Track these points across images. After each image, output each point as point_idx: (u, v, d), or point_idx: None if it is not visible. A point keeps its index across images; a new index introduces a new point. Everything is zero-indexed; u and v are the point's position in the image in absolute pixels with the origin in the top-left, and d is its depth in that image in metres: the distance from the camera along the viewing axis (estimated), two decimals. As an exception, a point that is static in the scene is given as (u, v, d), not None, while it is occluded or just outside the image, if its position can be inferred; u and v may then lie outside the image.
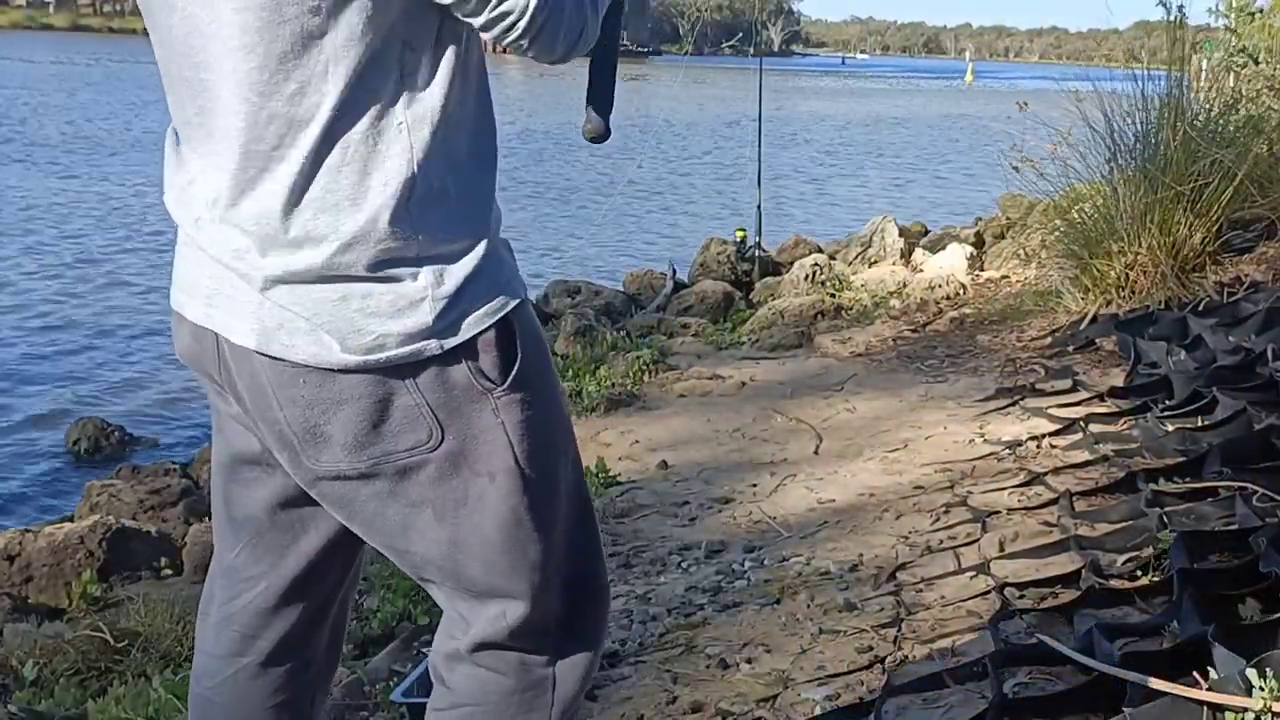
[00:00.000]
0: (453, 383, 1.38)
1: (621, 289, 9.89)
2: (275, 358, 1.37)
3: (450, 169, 1.37)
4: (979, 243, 9.98)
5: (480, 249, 1.39)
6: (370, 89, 1.32)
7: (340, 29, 1.29)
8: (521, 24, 1.34)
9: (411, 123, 1.34)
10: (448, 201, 1.37)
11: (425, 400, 1.37)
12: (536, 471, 1.43)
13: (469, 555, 1.43)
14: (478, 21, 1.34)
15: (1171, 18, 6.06)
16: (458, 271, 1.37)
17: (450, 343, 1.36)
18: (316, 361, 1.36)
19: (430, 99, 1.35)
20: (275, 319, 1.36)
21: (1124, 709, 2.09)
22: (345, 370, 1.35)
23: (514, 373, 1.40)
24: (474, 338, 1.38)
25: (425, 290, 1.35)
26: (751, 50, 14.75)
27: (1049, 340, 5.49)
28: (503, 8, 1.32)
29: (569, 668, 1.51)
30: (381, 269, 1.34)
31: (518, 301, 1.42)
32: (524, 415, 1.41)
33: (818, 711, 2.40)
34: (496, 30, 1.35)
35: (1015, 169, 6.30)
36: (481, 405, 1.39)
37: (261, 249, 1.35)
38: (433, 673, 1.55)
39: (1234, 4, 8.18)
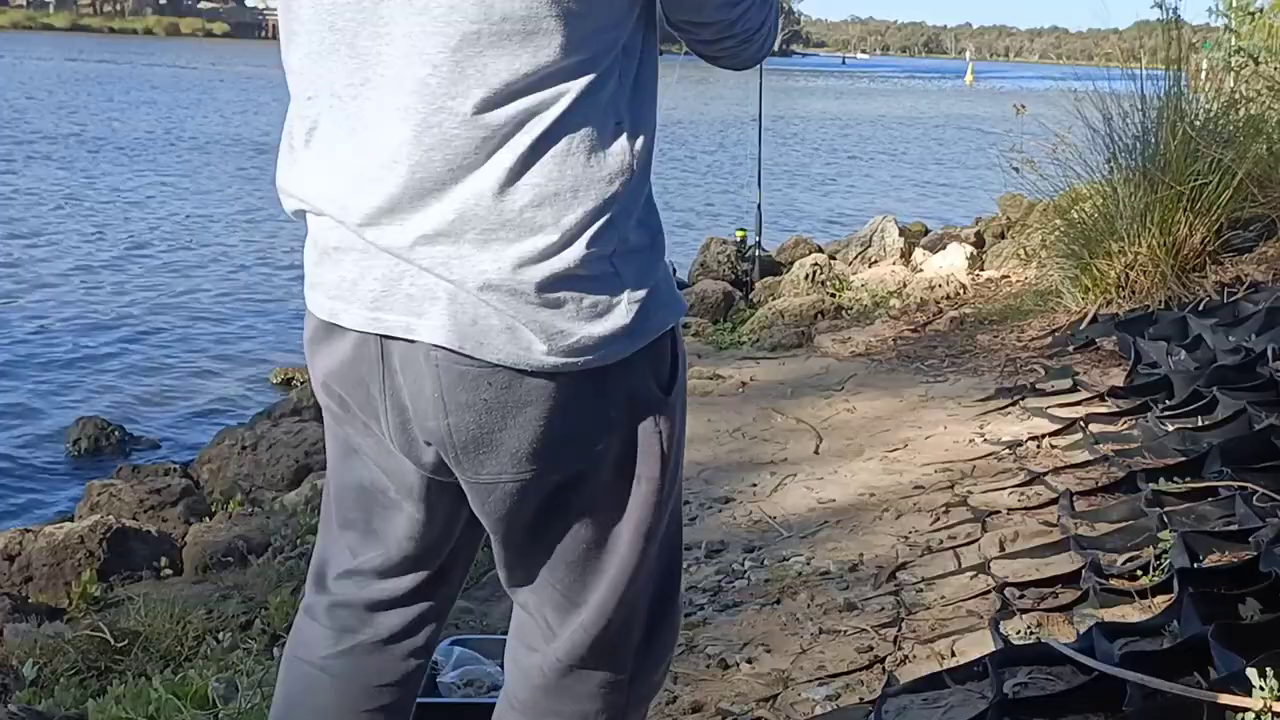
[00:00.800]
0: (633, 389, 1.36)
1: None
2: (466, 356, 1.30)
3: (649, 174, 1.36)
4: (979, 243, 9.98)
5: (663, 255, 1.37)
6: (598, 86, 1.30)
7: (586, 21, 1.27)
8: (749, 33, 1.40)
9: (629, 124, 1.33)
10: (645, 205, 1.36)
11: (609, 405, 1.34)
12: (672, 483, 1.42)
13: (597, 560, 1.41)
14: (707, 33, 1.40)
15: (1167, 17, 6.06)
16: (648, 276, 1.34)
17: (638, 346, 1.34)
18: (511, 361, 1.30)
19: (640, 103, 1.35)
20: (471, 315, 1.29)
21: (1124, 709, 2.10)
22: (538, 373, 1.30)
23: (676, 383, 1.40)
24: (654, 343, 1.36)
25: (624, 293, 1.32)
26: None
27: (1049, 340, 5.50)
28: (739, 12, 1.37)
29: (644, 687, 1.50)
30: (592, 267, 1.30)
31: (682, 310, 1.41)
32: (676, 426, 1.40)
33: (818, 711, 2.40)
34: (723, 38, 1.40)
35: (1015, 169, 6.30)
36: (649, 412, 1.37)
37: (464, 242, 1.29)
38: (508, 675, 1.54)
39: (1233, 3, 8.18)
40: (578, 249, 1.29)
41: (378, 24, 1.30)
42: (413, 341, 1.32)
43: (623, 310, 1.32)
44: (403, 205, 1.30)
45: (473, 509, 1.42)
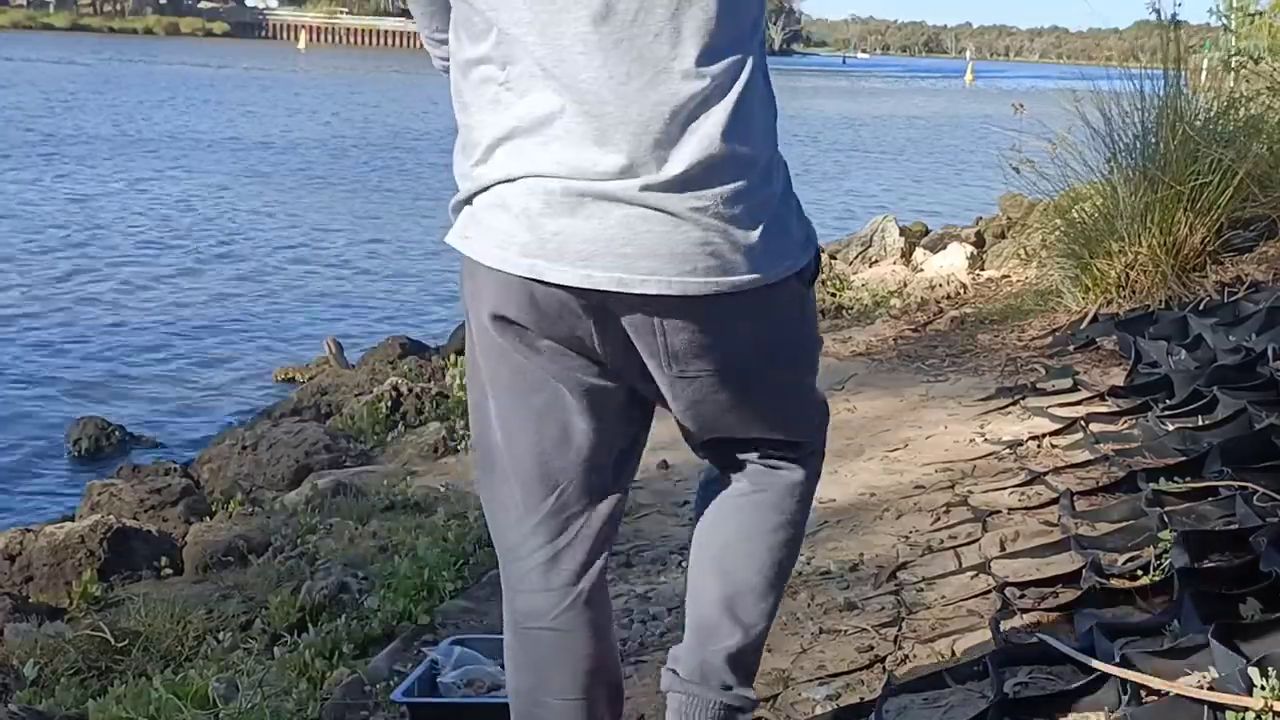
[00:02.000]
0: (805, 286, 1.70)
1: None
2: (697, 286, 1.56)
3: None
4: (979, 242, 9.98)
5: None
6: (762, 42, 1.62)
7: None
8: None
9: (768, 77, 1.65)
10: None
11: (800, 302, 1.71)
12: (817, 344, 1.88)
13: (792, 399, 1.82)
14: None
15: (1163, 20, 6.06)
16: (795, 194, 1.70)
17: (810, 253, 1.69)
18: (732, 287, 1.58)
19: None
20: (697, 250, 1.55)
21: (1124, 708, 2.10)
22: (748, 290, 1.59)
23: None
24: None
25: (793, 209, 1.66)
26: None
27: (1049, 340, 5.50)
28: None
29: (816, 476, 1.92)
30: (783, 193, 1.63)
31: None
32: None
33: (818, 711, 2.40)
34: None
35: (1015, 169, 6.30)
36: (807, 300, 1.74)
37: (690, 186, 1.53)
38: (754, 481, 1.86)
39: (1234, 4, 8.19)
40: (775, 179, 1.62)
41: None
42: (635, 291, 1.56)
43: (796, 225, 1.66)
44: (639, 158, 1.52)
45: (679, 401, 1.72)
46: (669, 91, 1.51)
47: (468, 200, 1.65)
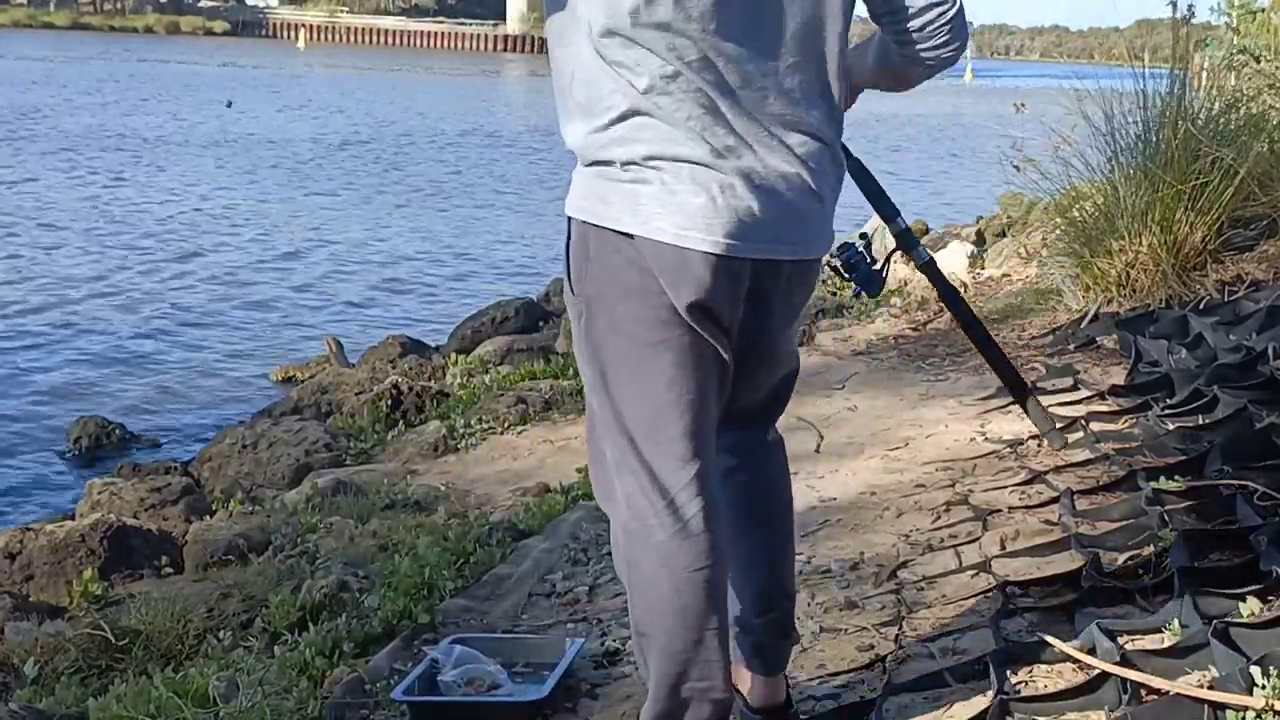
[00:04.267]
0: None
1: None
2: (820, 248, 1.96)
3: None
4: (980, 241, 9.98)
5: None
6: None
7: None
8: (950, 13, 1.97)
9: None
10: None
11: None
12: None
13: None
14: (916, 21, 1.98)
15: (1178, 14, 6.05)
16: None
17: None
18: (823, 254, 1.99)
19: None
20: (818, 225, 1.92)
21: (1124, 708, 2.10)
22: (818, 259, 1.98)
23: None
24: None
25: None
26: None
27: (1050, 338, 5.49)
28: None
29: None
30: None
31: None
32: None
33: (819, 710, 2.40)
34: (931, 22, 1.97)
35: (1016, 168, 6.29)
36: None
37: (812, 168, 1.87)
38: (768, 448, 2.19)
39: (1235, 2, 8.18)
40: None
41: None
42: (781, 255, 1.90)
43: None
44: (776, 140, 1.84)
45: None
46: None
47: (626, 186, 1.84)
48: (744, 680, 2.17)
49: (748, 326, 1.92)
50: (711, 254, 1.80)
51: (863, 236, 2.42)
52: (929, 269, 2.68)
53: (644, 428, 1.90)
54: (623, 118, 1.80)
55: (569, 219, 1.91)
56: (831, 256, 2.22)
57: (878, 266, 2.36)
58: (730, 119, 1.81)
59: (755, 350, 1.99)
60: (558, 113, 1.92)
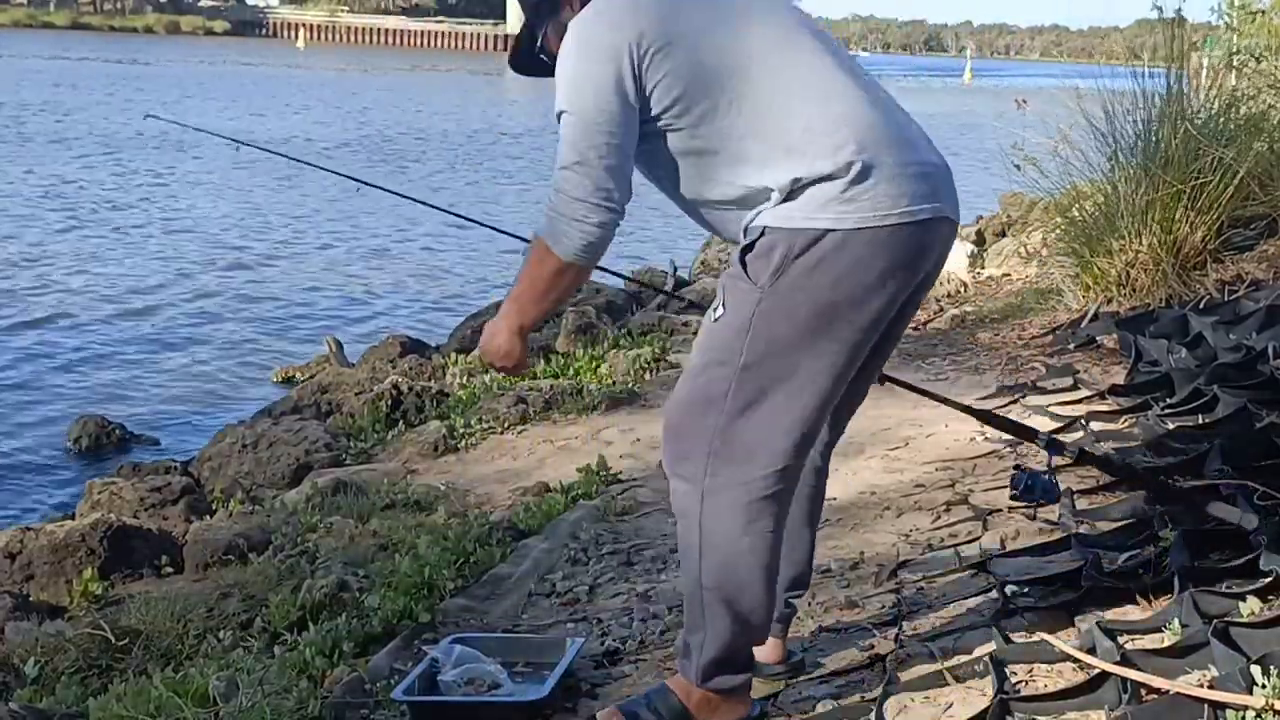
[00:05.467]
0: None
1: (623, 287, 9.87)
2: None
3: None
4: (980, 241, 9.97)
5: None
6: None
7: None
8: None
9: None
10: None
11: None
12: None
13: None
14: None
15: (1167, 16, 6.06)
16: None
17: None
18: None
19: None
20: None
21: (1125, 707, 2.10)
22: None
23: None
24: None
25: None
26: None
27: (1050, 338, 5.49)
28: None
29: None
30: None
31: None
32: None
33: (819, 710, 2.41)
34: None
35: (1016, 167, 6.30)
36: None
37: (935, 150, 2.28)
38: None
39: (1235, 2, 8.18)
40: None
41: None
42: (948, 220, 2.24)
43: None
44: (915, 133, 2.28)
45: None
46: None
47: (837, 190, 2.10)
48: (768, 644, 2.48)
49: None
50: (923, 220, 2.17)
51: (1017, 468, 2.77)
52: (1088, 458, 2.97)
53: (810, 414, 2.18)
54: None
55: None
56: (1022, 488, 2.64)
57: (1046, 475, 2.65)
58: None
59: (894, 330, 2.34)
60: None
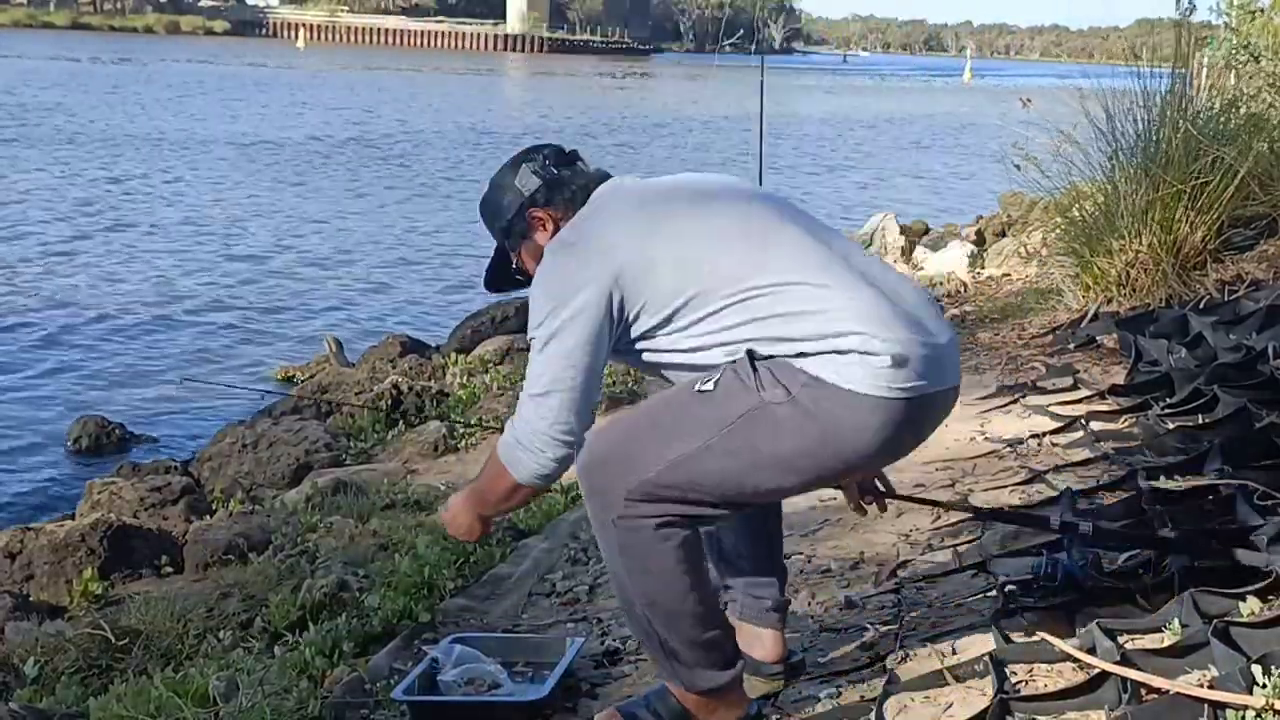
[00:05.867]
0: None
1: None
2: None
3: None
4: (980, 241, 9.98)
5: None
6: None
7: None
8: None
9: None
10: None
11: None
12: None
13: None
14: None
15: (1181, 12, 6.06)
16: None
17: None
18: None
19: None
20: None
21: (1125, 707, 2.10)
22: None
23: None
24: None
25: None
26: (753, 48, 14.76)
27: (1050, 338, 5.49)
28: None
29: None
30: None
31: None
32: None
33: (818, 709, 2.41)
34: None
35: (1016, 167, 6.29)
36: None
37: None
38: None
39: (1235, 2, 8.18)
40: None
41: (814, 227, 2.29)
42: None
43: None
44: (922, 310, 2.18)
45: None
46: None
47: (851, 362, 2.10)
48: (767, 642, 2.51)
49: None
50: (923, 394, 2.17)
51: (1039, 552, 2.79)
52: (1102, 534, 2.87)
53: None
54: None
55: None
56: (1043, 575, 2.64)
57: (1069, 559, 2.65)
58: None
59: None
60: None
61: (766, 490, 2.17)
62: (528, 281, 2.30)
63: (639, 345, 2.20)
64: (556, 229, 2.29)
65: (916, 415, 2.13)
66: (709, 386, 2.12)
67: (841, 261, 2.16)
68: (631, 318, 2.16)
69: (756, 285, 2.11)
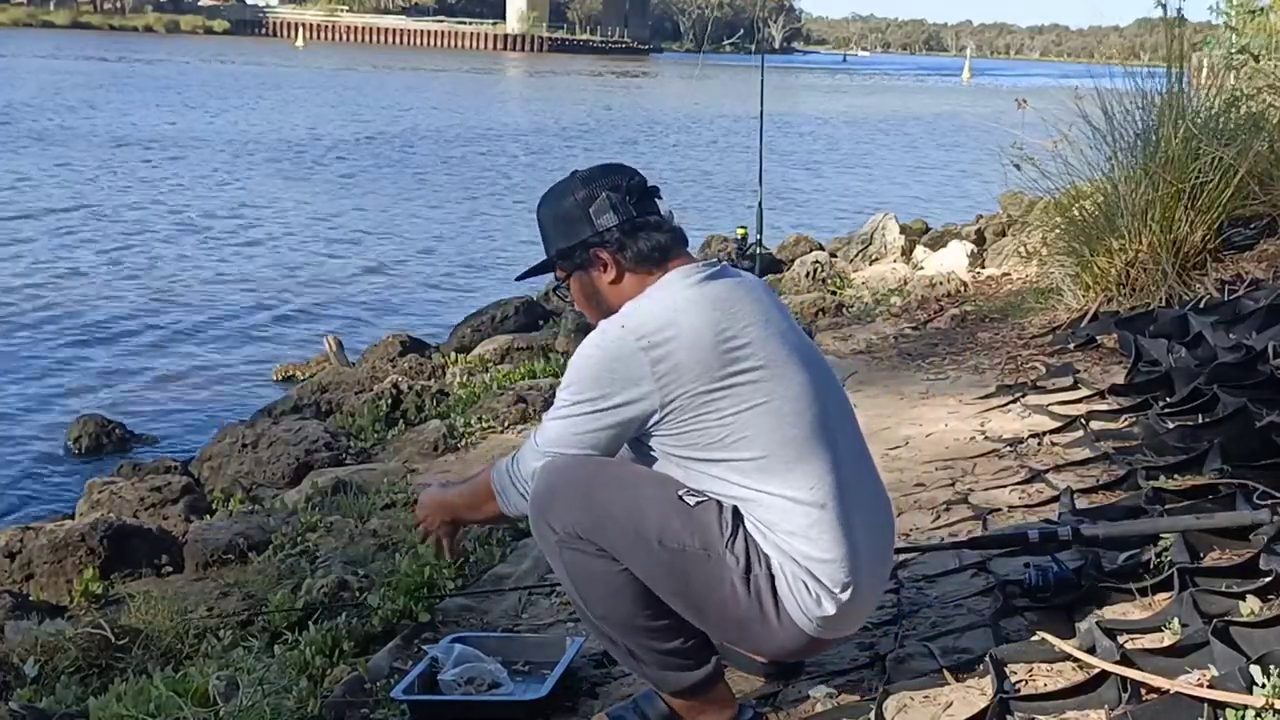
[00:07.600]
0: None
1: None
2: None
3: None
4: (980, 240, 9.99)
5: None
6: None
7: None
8: None
9: None
10: None
11: None
12: None
13: None
14: None
15: (1169, 14, 6.06)
16: None
17: None
18: None
19: None
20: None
21: (1125, 706, 2.10)
22: None
23: None
24: None
25: None
26: (753, 47, 14.79)
27: (1050, 337, 5.50)
28: None
29: None
30: None
31: None
32: None
33: (818, 709, 2.41)
34: None
35: (1016, 166, 6.29)
36: None
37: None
38: None
39: (1234, 1, 8.18)
40: None
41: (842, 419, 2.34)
42: None
43: None
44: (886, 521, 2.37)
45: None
46: None
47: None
48: None
49: None
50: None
51: (1027, 565, 2.74)
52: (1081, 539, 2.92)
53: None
54: None
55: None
56: (1035, 585, 2.65)
57: (1056, 567, 2.68)
58: None
59: None
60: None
61: (670, 604, 2.18)
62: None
63: (648, 441, 2.22)
64: (619, 275, 2.25)
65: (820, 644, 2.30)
66: (690, 501, 2.15)
67: (852, 484, 2.21)
68: (659, 432, 2.18)
69: (778, 493, 2.15)
